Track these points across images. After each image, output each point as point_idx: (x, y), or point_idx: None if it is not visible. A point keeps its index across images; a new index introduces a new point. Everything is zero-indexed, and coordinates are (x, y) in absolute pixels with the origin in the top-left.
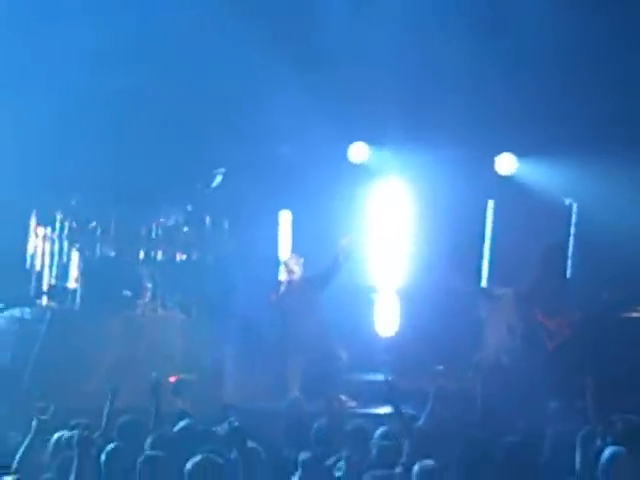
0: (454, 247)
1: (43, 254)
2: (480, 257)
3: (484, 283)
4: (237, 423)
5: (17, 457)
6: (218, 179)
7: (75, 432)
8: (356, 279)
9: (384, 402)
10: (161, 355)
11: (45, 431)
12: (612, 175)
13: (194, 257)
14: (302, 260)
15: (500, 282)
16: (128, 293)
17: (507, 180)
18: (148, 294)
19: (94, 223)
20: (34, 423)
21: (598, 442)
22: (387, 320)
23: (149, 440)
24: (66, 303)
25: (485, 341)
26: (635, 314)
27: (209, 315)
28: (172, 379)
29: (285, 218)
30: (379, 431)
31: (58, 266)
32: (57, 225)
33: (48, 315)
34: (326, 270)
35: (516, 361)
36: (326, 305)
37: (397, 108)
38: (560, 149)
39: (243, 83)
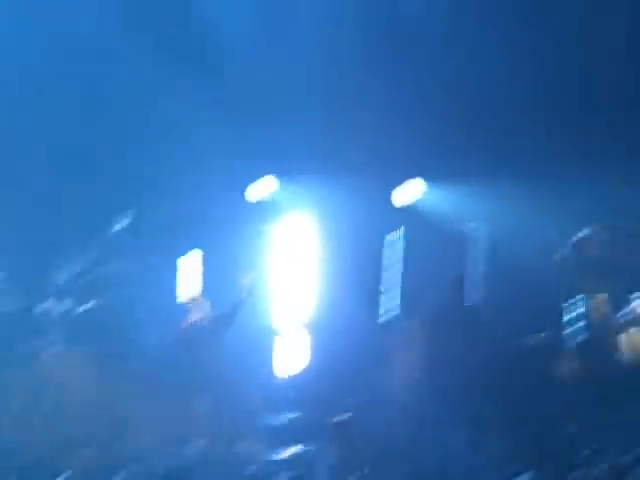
0: (359, 281)
1: None
2: (386, 288)
3: (389, 315)
4: None
5: None
6: (123, 223)
7: None
8: (260, 318)
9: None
10: (69, 404)
11: None
12: (518, 199)
13: (101, 303)
14: (208, 301)
15: (408, 312)
16: (35, 342)
17: (411, 209)
18: (55, 343)
19: None
20: None
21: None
22: (292, 358)
23: None
24: None
25: (392, 374)
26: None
27: (117, 361)
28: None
29: (192, 258)
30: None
31: None
32: None
33: None
34: (230, 309)
35: (425, 392)
36: (230, 345)
37: (301, 141)
38: (464, 175)
39: (142, 120)
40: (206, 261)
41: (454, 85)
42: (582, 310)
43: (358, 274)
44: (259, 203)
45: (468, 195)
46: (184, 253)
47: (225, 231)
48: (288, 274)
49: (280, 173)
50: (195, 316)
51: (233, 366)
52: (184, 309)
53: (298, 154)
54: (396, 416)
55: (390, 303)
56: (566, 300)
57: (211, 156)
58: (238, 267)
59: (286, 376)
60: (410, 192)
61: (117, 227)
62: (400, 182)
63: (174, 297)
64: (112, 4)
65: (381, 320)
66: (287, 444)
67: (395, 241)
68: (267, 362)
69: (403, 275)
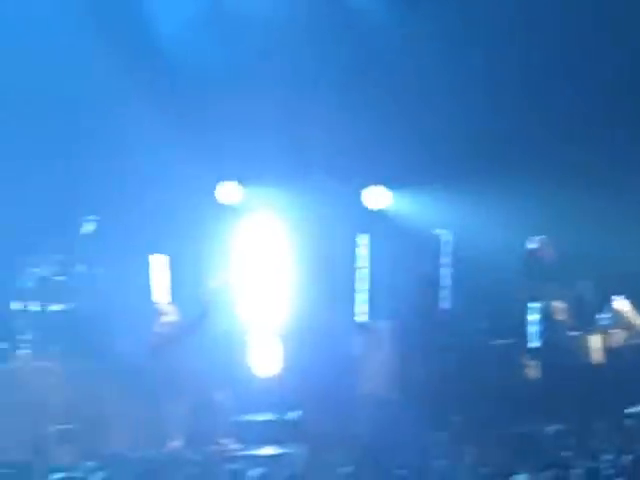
0: (330, 283)
1: None
2: (355, 292)
3: (361, 317)
4: None
5: None
6: (91, 226)
7: None
8: (232, 320)
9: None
10: (41, 407)
11: None
12: (485, 203)
13: (70, 306)
14: (174, 305)
15: (376, 316)
16: (4, 345)
17: (379, 213)
18: (24, 346)
19: None
20: None
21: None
22: (266, 360)
23: None
24: None
25: (365, 376)
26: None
27: (87, 364)
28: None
29: (160, 262)
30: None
31: None
32: None
33: None
34: (198, 313)
35: (395, 394)
36: (203, 348)
37: (269, 144)
38: (431, 180)
39: (107, 124)
40: (173, 265)
41: (426, 91)
42: (542, 314)
43: (328, 276)
44: (226, 206)
45: (435, 200)
46: (150, 257)
47: (192, 235)
48: (257, 276)
49: (247, 177)
50: (164, 320)
51: (206, 368)
52: (153, 312)
53: (265, 158)
54: (370, 417)
55: (361, 305)
56: (527, 304)
57: (178, 161)
58: (205, 270)
59: (260, 378)
60: (377, 197)
61: (83, 231)
62: (367, 185)
63: (142, 300)
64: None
65: (351, 322)
66: (262, 444)
67: (364, 244)
68: (239, 364)
69: (372, 277)
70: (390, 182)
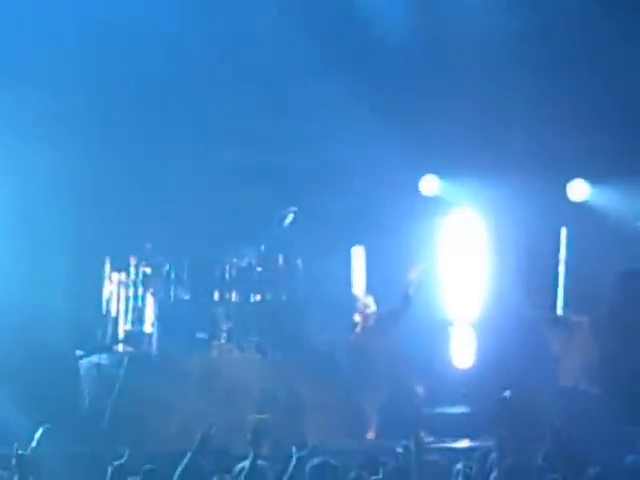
0: (528, 276)
1: (118, 299)
2: (555, 285)
3: (559, 311)
4: None
5: None
6: (290, 218)
7: None
8: (431, 312)
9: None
10: (239, 396)
11: (120, 476)
12: None
13: (268, 297)
14: (373, 297)
15: (576, 310)
16: (204, 335)
17: (580, 206)
18: (224, 335)
19: (168, 266)
20: (109, 470)
21: None
22: (463, 352)
23: None
24: (142, 348)
25: (562, 369)
26: None
27: (285, 355)
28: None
29: (358, 254)
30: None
31: (133, 311)
32: (131, 270)
33: (125, 361)
34: (398, 304)
35: (594, 388)
36: (402, 340)
37: (467, 139)
38: (634, 173)
39: (316, 119)
40: (371, 257)
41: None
42: None
43: (527, 269)
44: (426, 199)
45: (638, 195)
46: (349, 249)
47: (391, 226)
48: (457, 268)
49: (447, 170)
50: (363, 314)
51: (404, 359)
52: (352, 304)
53: (460, 153)
54: (567, 410)
55: (559, 298)
56: None
57: (378, 153)
58: (404, 262)
59: (458, 370)
60: (579, 190)
61: (282, 223)
62: (566, 180)
63: (341, 292)
64: None
65: (550, 315)
66: (456, 437)
67: (563, 237)
68: (440, 357)
69: (572, 271)
70: (590, 175)
